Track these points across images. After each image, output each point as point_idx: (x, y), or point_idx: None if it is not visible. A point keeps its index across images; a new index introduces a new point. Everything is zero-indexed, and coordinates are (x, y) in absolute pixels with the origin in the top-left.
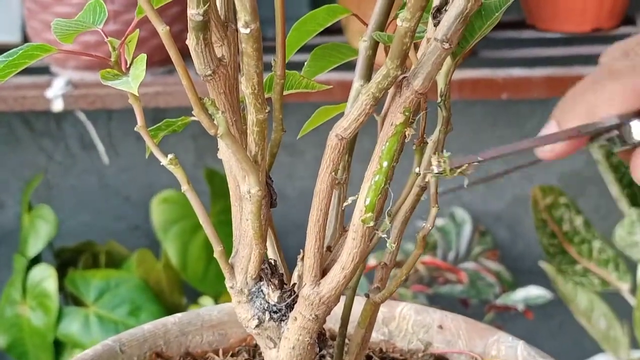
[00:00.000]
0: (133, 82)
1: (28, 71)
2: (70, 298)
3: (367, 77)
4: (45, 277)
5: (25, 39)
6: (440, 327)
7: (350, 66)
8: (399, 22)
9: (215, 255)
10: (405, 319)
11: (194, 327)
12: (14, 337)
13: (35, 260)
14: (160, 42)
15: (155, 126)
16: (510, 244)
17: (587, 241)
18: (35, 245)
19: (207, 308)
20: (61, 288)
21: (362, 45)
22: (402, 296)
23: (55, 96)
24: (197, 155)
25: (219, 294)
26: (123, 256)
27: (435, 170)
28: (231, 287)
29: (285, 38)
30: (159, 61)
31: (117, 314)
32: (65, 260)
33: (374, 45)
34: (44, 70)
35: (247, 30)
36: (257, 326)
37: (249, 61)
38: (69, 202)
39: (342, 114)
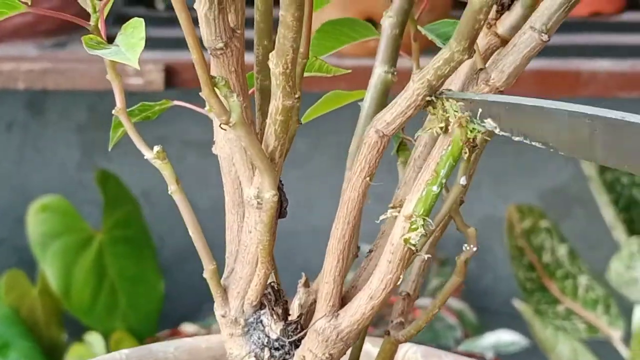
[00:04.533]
0: (129, 52)
1: None
2: None
3: (393, 60)
4: None
5: None
6: None
7: None
8: None
9: (206, 274)
10: None
11: None
12: None
13: None
14: (48, 7)
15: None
16: (477, 277)
17: (572, 276)
18: None
19: (162, 344)
20: None
21: (387, 22)
22: None
23: None
24: (83, 153)
25: (110, 330)
26: None
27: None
28: (223, 316)
29: (312, 3)
30: (46, 31)
31: None
32: None
33: (402, 23)
34: None
35: None
36: None
37: (286, 33)
38: None
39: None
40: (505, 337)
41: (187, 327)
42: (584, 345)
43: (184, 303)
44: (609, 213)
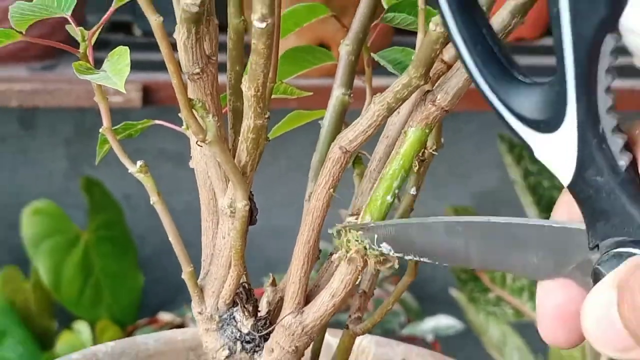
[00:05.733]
0: (116, 77)
1: None
2: None
3: (349, 83)
4: None
5: None
6: None
7: None
8: (432, 26)
9: (184, 276)
10: (364, 353)
11: (128, 357)
12: None
13: None
14: (38, 34)
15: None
16: (419, 269)
17: None
18: None
19: (143, 336)
20: None
21: (344, 50)
22: None
23: None
24: (70, 163)
25: (95, 319)
26: None
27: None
28: (199, 313)
29: (279, 34)
30: (36, 55)
31: None
32: None
33: (357, 50)
34: None
35: (263, 25)
36: (227, 357)
37: (258, 59)
38: None
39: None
40: (443, 322)
41: (163, 315)
42: (511, 328)
43: (160, 295)
44: (532, 212)
